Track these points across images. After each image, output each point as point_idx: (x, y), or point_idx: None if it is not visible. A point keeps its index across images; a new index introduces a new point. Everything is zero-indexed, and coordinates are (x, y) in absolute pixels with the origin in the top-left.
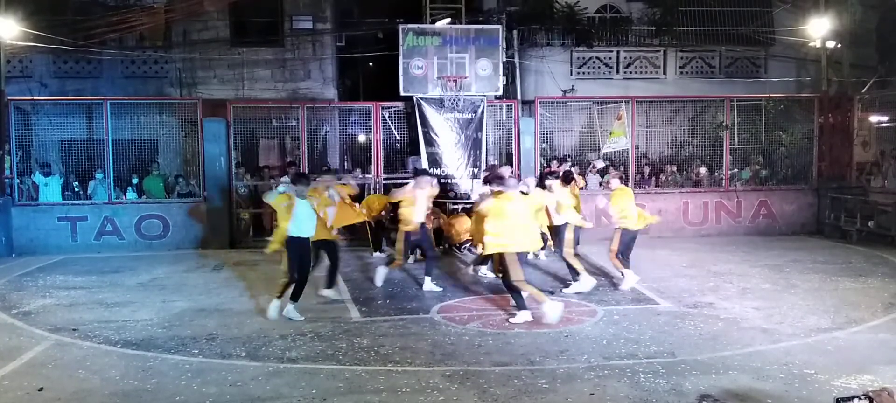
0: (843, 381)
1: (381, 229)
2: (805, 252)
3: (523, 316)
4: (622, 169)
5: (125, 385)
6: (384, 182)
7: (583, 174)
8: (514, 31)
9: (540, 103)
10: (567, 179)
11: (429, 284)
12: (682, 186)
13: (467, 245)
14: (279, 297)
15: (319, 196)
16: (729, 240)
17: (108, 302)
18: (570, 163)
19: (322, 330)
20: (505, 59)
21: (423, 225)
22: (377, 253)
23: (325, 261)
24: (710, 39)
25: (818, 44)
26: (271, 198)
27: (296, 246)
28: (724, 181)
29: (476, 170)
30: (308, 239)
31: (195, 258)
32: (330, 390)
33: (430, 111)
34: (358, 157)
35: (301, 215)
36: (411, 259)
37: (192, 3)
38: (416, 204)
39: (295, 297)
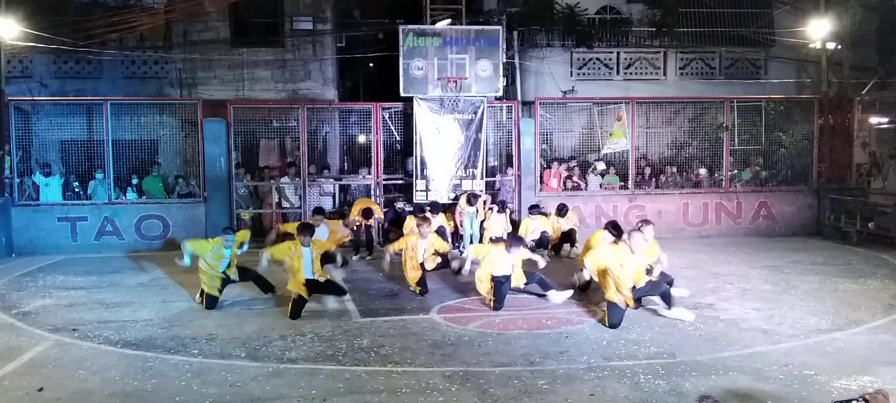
0: (842, 382)
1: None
2: (805, 253)
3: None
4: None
5: (125, 385)
6: (383, 182)
7: (583, 175)
8: (515, 32)
9: (540, 104)
10: (562, 211)
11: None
12: (682, 187)
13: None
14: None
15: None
16: (729, 241)
17: (107, 302)
18: (574, 164)
19: (322, 330)
20: (505, 60)
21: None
22: (355, 257)
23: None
24: (710, 41)
25: (818, 45)
26: (265, 264)
27: (310, 286)
28: (724, 182)
29: (475, 171)
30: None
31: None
32: (330, 390)
33: (430, 112)
34: (358, 158)
35: (307, 262)
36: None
37: (192, 3)
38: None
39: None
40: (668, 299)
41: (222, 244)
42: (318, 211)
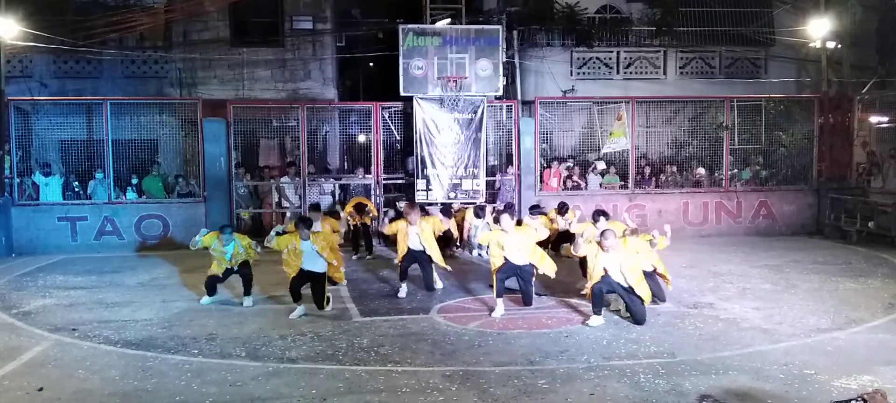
0: (842, 382)
1: (362, 233)
2: (805, 252)
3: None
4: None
5: (125, 385)
6: (384, 182)
7: (583, 174)
8: (515, 32)
9: (540, 103)
10: (562, 210)
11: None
12: (681, 187)
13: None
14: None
15: (322, 239)
16: (729, 241)
17: (107, 301)
18: (573, 164)
19: (322, 330)
20: (505, 60)
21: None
22: (355, 257)
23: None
24: (711, 40)
25: (818, 44)
26: (271, 242)
27: (306, 277)
28: (724, 181)
29: (476, 171)
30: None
31: (195, 258)
32: (330, 390)
33: (430, 111)
34: (358, 158)
35: (309, 255)
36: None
37: (192, 3)
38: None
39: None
40: (639, 316)
41: (220, 240)
42: (315, 207)
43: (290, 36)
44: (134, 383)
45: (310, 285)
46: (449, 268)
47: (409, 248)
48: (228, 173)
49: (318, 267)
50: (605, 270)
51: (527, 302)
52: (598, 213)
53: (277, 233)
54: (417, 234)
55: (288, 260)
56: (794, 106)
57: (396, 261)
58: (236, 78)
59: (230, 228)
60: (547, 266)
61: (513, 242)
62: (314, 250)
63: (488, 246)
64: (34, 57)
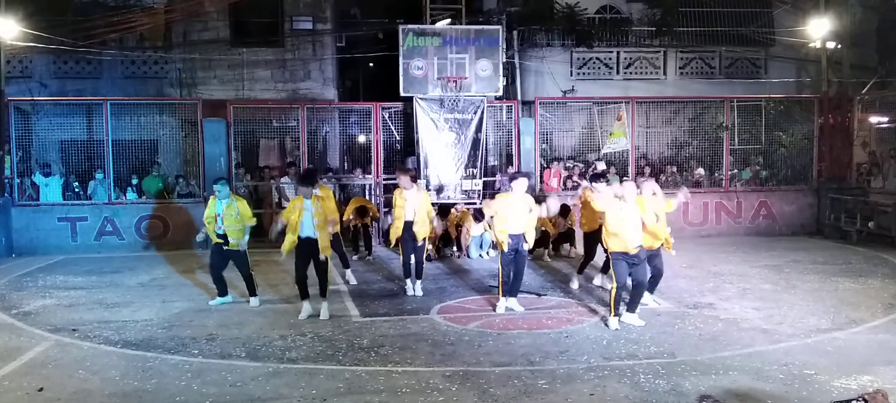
0: (842, 382)
1: (362, 234)
2: (805, 252)
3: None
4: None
5: (125, 385)
6: (384, 182)
7: (583, 174)
8: (515, 32)
9: (540, 104)
10: (563, 212)
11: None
12: (681, 187)
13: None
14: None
15: (322, 202)
16: (729, 241)
17: (107, 302)
18: (573, 164)
19: (322, 330)
20: (505, 60)
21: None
22: (355, 257)
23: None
24: (710, 40)
25: (818, 44)
26: (278, 227)
27: (306, 246)
28: (724, 181)
29: (475, 171)
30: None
31: (195, 258)
32: (330, 390)
33: (430, 111)
34: (358, 158)
35: (308, 219)
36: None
37: (192, 3)
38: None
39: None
40: (636, 296)
41: (214, 197)
42: (322, 171)
43: (290, 36)
44: (134, 383)
45: (313, 267)
46: (430, 247)
47: (405, 221)
48: (228, 173)
49: (316, 234)
50: (622, 247)
51: (513, 291)
52: (597, 177)
53: (283, 224)
54: (415, 209)
55: (293, 222)
56: (794, 106)
57: (392, 230)
58: (236, 78)
59: (224, 180)
60: (530, 236)
61: (518, 206)
62: (313, 212)
63: (493, 242)
64: (34, 57)
